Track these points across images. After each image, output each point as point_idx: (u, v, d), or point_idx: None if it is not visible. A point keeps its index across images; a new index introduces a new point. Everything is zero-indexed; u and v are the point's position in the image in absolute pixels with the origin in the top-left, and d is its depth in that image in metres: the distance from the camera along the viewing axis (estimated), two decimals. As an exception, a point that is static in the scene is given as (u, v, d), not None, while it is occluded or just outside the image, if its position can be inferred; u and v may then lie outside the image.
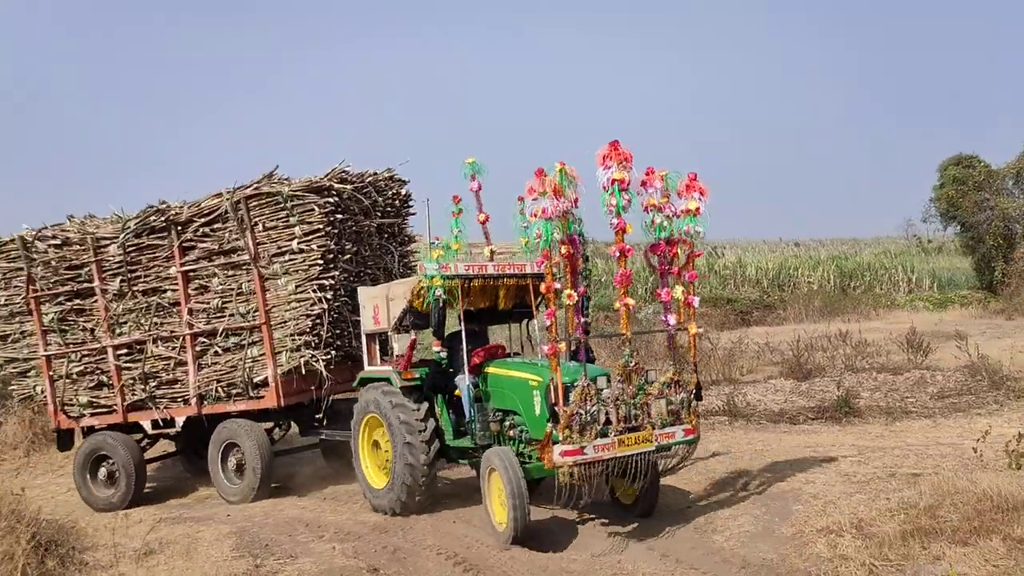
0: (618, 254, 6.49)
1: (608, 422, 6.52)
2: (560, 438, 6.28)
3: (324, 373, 9.14)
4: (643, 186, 6.62)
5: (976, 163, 25.73)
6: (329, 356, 9.19)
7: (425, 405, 7.96)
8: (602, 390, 6.52)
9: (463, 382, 7.89)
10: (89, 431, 10.38)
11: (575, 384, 6.41)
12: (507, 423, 7.46)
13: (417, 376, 8.06)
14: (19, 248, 10.22)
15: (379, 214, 10.02)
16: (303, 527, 7.83)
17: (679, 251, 6.91)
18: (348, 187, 9.38)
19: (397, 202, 10.41)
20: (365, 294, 8.75)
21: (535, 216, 6.34)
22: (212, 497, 9.83)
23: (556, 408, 6.38)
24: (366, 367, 8.71)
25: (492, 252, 9.22)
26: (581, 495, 6.36)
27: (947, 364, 13.09)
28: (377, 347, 8.88)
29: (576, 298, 6.65)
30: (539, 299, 9.04)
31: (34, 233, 10.24)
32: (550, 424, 6.44)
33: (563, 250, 6.56)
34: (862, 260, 35.70)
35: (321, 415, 9.57)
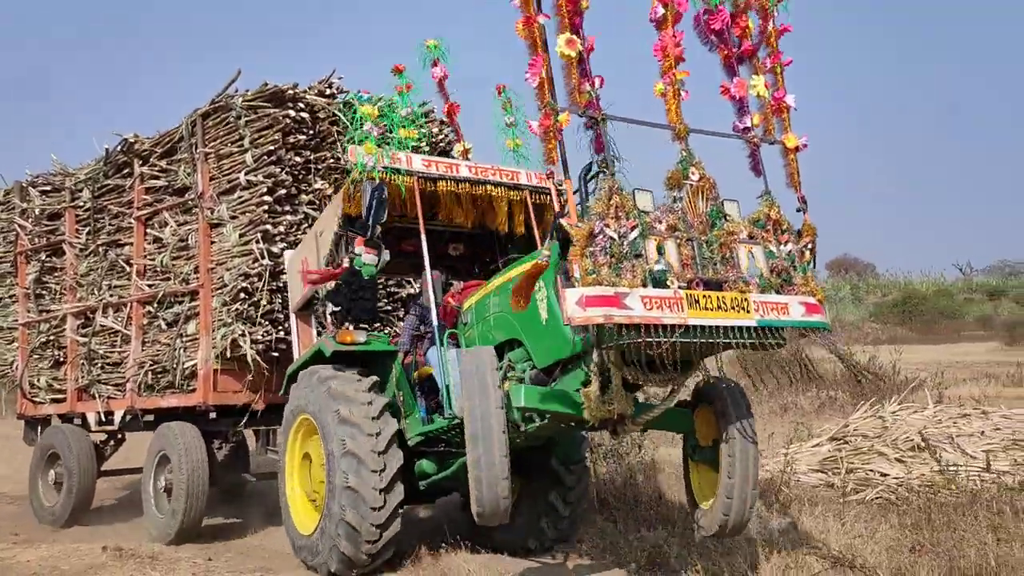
0: (660, 8, 3.79)
1: (663, 270, 3.53)
2: (577, 275, 3.39)
3: (255, 360, 6.32)
4: None
5: None
6: (269, 338, 6.38)
7: (374, 378, 5.10)
8: (644, 211, 3.58)
9: (433, 349, 5.09)
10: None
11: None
12: (501, 367, 4.55)
13: (363, 340, 5.18)
14: (16, 197, 8.74)
15: None
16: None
17: (750, 24, 4.23)
18: (324, 101, 6.66)
19: (424, 145, 7.40)
20: (291, 257, 6.17)
21: None
22: None
23: (564, 221, 3.49)
24: (297, 357, 5.87)
25: (466, 150, 6.02)
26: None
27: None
28: (314, 329, 6.00)
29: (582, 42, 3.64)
30: (548, 232, 5.77)
31: (30, 180, 8.70)
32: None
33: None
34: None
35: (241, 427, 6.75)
